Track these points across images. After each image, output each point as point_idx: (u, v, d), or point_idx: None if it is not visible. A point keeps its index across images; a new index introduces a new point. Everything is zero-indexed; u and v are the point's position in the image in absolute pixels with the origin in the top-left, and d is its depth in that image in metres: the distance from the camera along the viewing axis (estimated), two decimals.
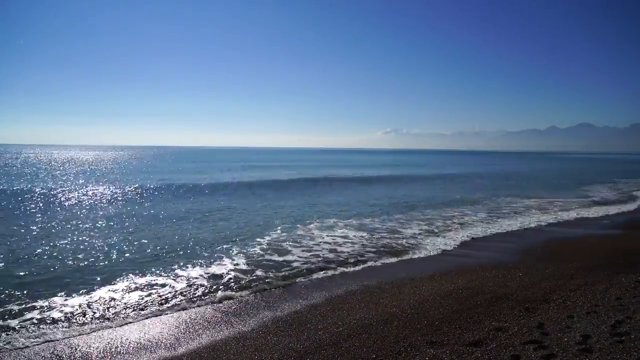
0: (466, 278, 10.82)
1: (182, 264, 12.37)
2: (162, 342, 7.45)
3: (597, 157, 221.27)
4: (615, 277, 10.20)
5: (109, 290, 10.21)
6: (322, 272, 11.74)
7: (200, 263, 12.54)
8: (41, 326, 8.09)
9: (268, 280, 11.03)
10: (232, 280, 11.01)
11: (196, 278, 11.21)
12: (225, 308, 9.16)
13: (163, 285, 10.58)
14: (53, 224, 18.07)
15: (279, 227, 17.81)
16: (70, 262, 12.44)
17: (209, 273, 11.59)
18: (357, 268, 12.32)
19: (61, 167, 61.25)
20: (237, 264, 12.44)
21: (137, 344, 7.38)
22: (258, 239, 15.61)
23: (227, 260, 12.80)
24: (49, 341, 7.49)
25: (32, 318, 8.48)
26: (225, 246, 14.61)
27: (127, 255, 13.37)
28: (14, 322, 8.25)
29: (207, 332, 7.89)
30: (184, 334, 7.81)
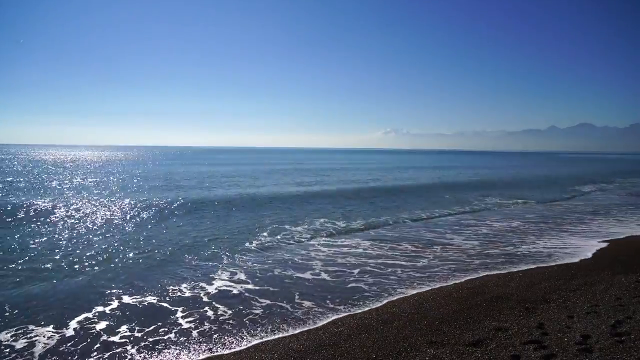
0: (466, 278, 10.83)
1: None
2: None
3: (606, 157, 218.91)
4: (615, 277, 10.20)
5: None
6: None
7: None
8: None
9: None
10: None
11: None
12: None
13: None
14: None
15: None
16: (55, 280, 10.73)
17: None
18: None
19: (56, 170, 60.82)
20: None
21: None
22: None
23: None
24: None
25: None
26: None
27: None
28: None
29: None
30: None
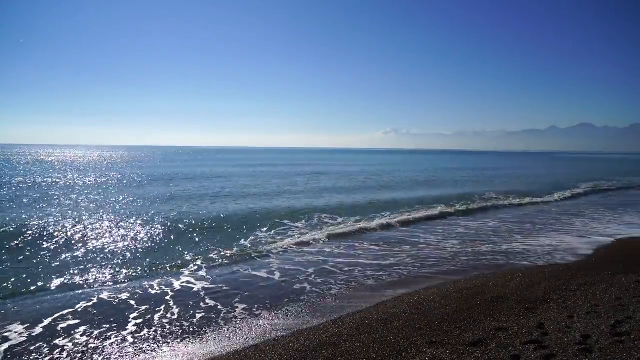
0: (466, 278, 10.83)
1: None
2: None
3: (606, 157, 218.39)
4: (615, 277, 10.20)
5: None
6: None
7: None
8: None
9: None
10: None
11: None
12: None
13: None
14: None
15: None
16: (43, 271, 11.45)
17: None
18: None
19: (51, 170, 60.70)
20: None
21: None
22: None
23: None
24: None
25: None
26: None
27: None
28: None
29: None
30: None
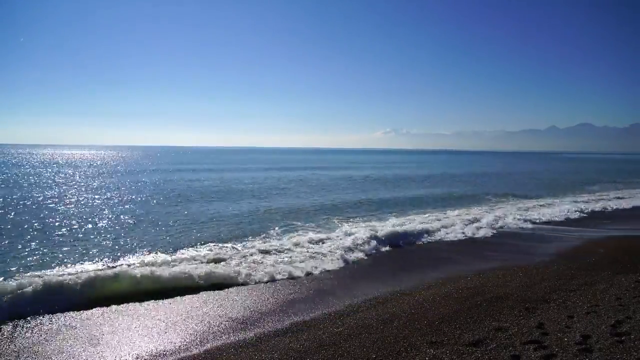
0: (466, 278, 10.83)
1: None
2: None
3: (607, 157, 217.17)
4: (615, 277, 10.20)
5: None
6: None
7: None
8: None
9: None
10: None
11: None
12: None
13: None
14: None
15: None
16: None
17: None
18: None
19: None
20: None
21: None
22: None
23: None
24: None
25: None
26: None
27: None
28: None
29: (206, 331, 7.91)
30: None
